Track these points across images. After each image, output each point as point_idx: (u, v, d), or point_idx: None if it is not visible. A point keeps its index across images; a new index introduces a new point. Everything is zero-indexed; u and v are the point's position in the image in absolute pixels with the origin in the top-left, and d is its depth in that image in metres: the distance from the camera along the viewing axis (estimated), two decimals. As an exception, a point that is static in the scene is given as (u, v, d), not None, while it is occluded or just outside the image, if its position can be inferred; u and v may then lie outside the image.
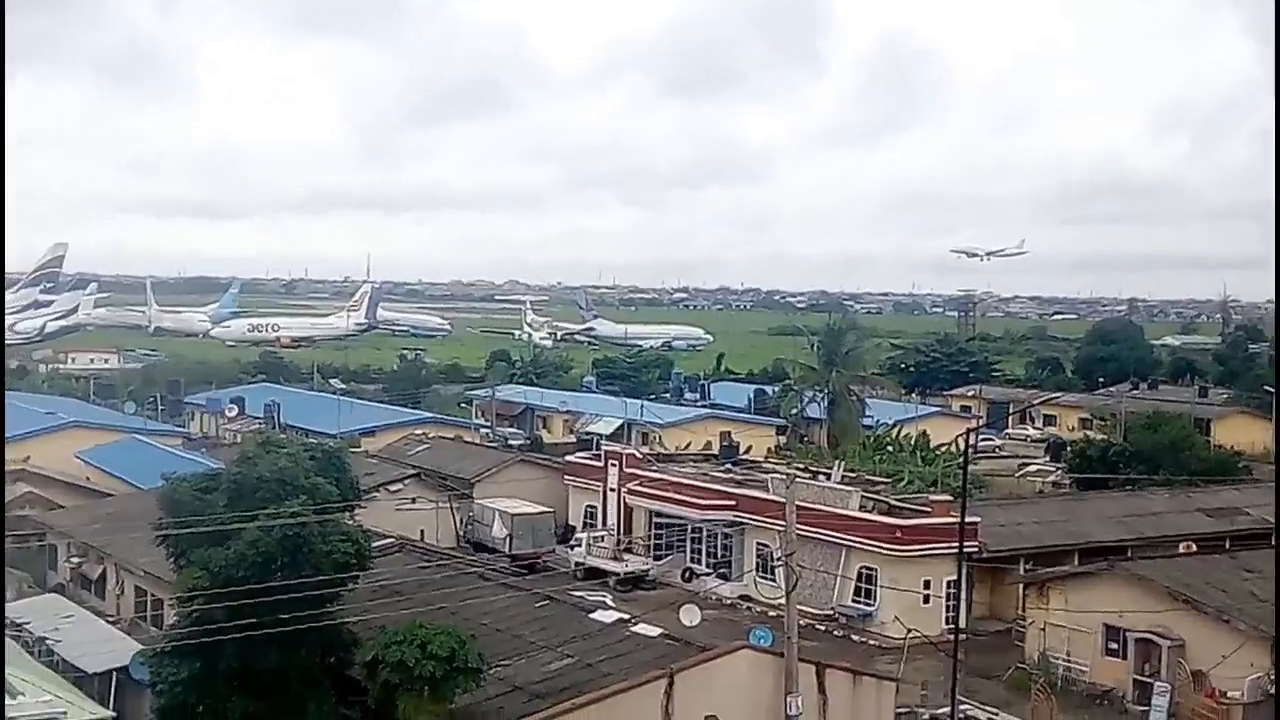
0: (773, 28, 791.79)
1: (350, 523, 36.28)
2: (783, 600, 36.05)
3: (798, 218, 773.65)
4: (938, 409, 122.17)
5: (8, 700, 18.93)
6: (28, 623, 43.04)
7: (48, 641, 41.37)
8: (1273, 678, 40.87)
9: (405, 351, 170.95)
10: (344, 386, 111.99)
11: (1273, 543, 52.47)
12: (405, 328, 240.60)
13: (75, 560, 54.93)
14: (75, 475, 72.22)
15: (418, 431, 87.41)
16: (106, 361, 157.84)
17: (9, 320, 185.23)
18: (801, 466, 65.42)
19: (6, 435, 79.76)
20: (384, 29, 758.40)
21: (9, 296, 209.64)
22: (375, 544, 38.97)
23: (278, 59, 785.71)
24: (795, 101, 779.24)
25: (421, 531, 60.21)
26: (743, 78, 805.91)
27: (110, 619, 46.99)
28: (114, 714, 34.98)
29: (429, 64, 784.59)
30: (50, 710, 19.81)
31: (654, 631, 36.77)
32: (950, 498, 55.59)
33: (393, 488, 63.51)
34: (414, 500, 63.78)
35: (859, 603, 54.40)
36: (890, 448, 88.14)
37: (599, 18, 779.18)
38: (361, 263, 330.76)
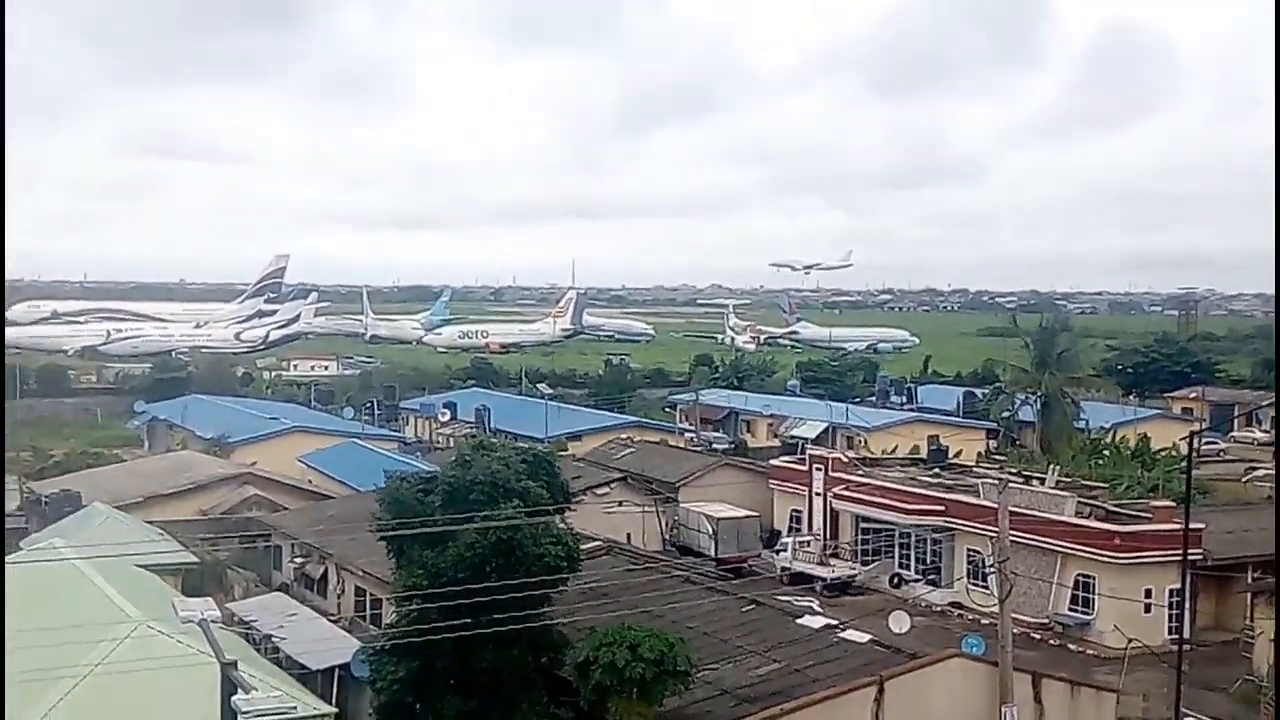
0: (985, 23, 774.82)
1: (561, 526, 36.76)
2: (995, 608, 35.23)
3: (1009, 217, 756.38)
4: (1157, 411, 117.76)
5: (240, 694, 19.63)
6: (255, 620, 44.87)
7: (273, 639, 43.05)
8: None
9: (610, 356, 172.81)
10: (551, 391, 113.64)
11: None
12: (610, 333, 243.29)
13: (298, 560, 56.88)
14: (297, 478, 75.07)
15: (623, 435, 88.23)
16: (326, 368, 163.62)
17: (236, 329, 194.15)
18: (1014, 471, 63.85)
19: (235, 439, 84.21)
20: (595, 39, 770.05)
21: (235, 307, 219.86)
22: (584, 546, 39.39)
23: (492, 71, 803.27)
24: (1008, 98, 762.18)
25: (628, 534, 60.75)
26: (954, 75, 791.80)
27: (332, 617, 48.48)
28: (336, 710, 36.14)
29: (639, 71, 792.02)
30: (280, 705, 20.49)
31: (863, 638, 36.33)
32: (1172, 503, 53.55)
33: (600, 491, 64.18)
34: (620, 503, 64.37)
35: (1076, 611, 52.77)
36: (1107, 452, 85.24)
37: (809, 18, 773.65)
38: (566, 270, 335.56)
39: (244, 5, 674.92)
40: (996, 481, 45.68)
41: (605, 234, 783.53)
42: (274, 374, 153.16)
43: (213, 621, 23.93)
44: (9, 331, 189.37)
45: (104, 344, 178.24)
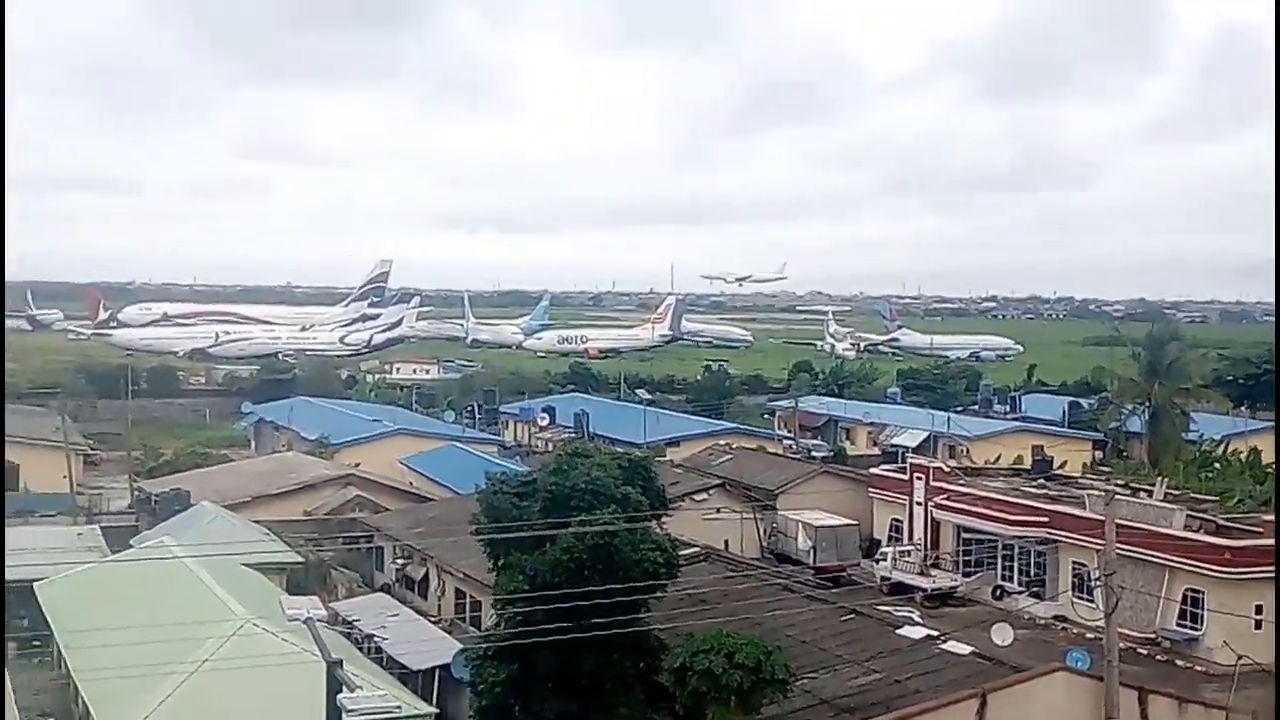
0: (1099, 24, 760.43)
1: (659, 531, 36.79)
2: (1101, 622, 34.63)
3: (1118, 222, 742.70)
4: (1270, 424, 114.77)
5: (345, 693, 19.91)
6: (357, 620, 45.57)
7: (375, 639, 43.66)
8: None
9: (708, 362, 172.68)
10: (649, 397, 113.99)
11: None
12: (708, 339, 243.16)
13: (400, 562, 57.55)
14: (399, 480, 76.04)
15: (721, 442, 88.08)
16: (427, 372, 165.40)
17: (341, 332, 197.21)
18: (1121, 483, 62.62)
19: (339, 441, 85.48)
20: (704, 40, 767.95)
21: (340, 310, 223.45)
22: (681, 553, 39.41)
23: (599, 73, 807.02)
24: (1121, 100, 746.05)
25: (726, 541, 60.58)
26: (1066, 77, 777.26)
27: (432, 619, 49.00)
28: (437, 711, 36.56)
29: (747, 73, 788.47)
30: (385, 704, 20.74)
31: (964, 649, 35.94)
32: (1285, 518, 52.07)
33: (698, 497, 64.09)
34: (718, 510, 64.21)
35: (1183, 626, 51.57)
36: (1217, 464, 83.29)
37: (923, 20, 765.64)
38: (665, 275, 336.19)
39: (360, 6, 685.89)
40: (1103, 493, 44.81)
41: (706, 238, 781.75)
42: (377, 377, 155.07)
43: (318, 620, 24.29)
44: (122, 333, 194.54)
45: (213, 346, 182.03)
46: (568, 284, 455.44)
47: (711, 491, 65.99)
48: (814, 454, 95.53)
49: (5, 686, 28.78)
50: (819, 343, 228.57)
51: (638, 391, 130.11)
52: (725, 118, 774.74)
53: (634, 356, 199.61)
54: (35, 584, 46.15)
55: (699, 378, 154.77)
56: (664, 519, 39.01)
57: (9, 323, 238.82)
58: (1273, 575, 48.79)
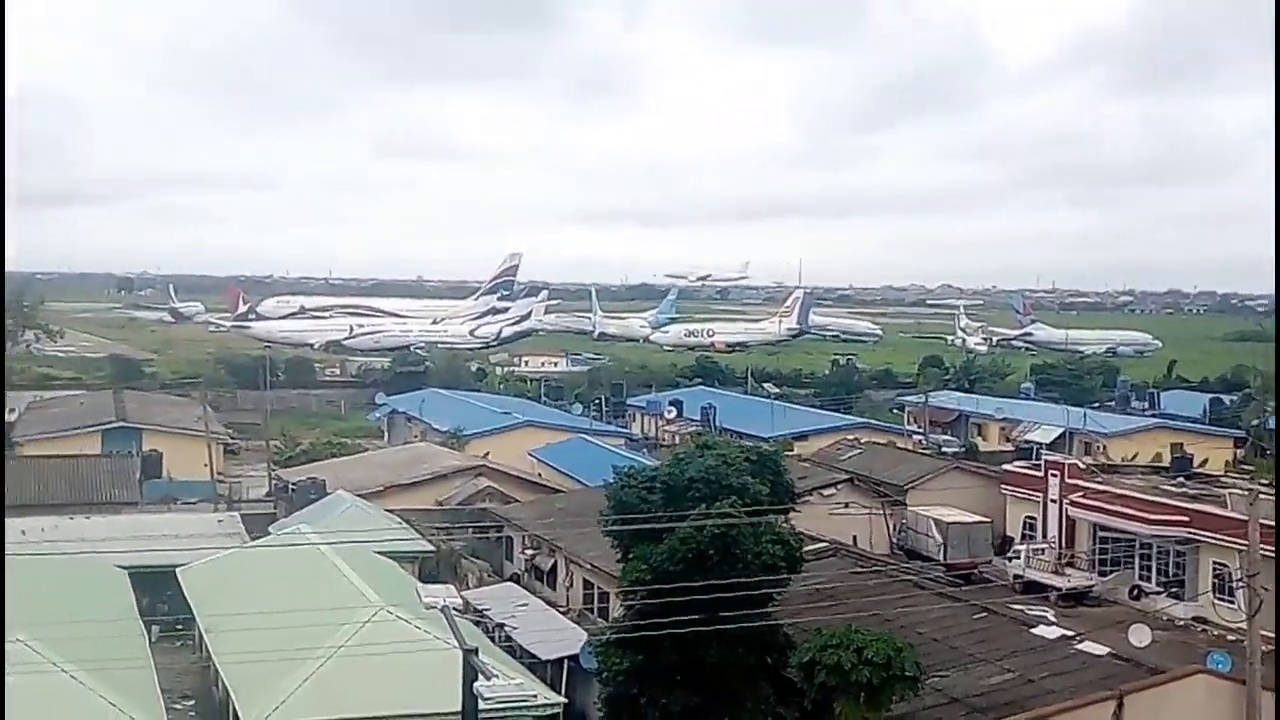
0: (1243, 13, 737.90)
1: (784, 525, 36.61)
2: (1243, 624, 33.58)
3: (1263, 216, 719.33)
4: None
5: (482, 681, 20.14)
6: (488, 609, 46.10)
7: (505, 628, 44.14)
8: None
9: (837, 356, 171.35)
10: (776, 390, 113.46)
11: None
12: (836, 333, 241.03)
13: (529, 552, 58.08)
14: (528, 471, 76.77)
15: (849, 436, 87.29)
16: (555, 365, 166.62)
17: (471, 325, 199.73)
18: (1264, 482, 60.75)
19: (470, 432, 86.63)
20: (837, 34, 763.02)
21: (470, 304, 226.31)
22: (809, 548, 39.21)
23: (732, 69, 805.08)
24: (1264, 92, 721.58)
25: (854, 537, 60.08)
26: (1208, 68, 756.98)
27: (561, 609, 49.41)
28: (566, 700, 36.85)
29: (880, 66, 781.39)
30: (521, 693, 20.97)
31: (1100, 650, 35.23)
32: None
33: (825, 492, 63.66)
34: (846, 505, 63.71)
35: (1330, 631, 49.88)
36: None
37: (1060, 10, 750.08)
38: (793, 268, 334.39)
39: (499, 6, 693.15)
40: (1246, 492, 43.50)
41: (835, 232, 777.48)
42: (506, 369, 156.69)
43: (453, 609, 24.59)
44: (260, 325, 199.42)
45: (347, 339, 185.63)
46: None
47: (839, 486, 65.54)
48: (945, 450, 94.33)
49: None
50: (950, 337, 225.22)
51: (765, 385, 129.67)
52: (857, 111, 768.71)
53: (761, 350, 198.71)
54: (177, 569, 47.49)
55: (827, 372, 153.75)
56: (791, 513, 38.79)
57: (152, 314, 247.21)
58: None
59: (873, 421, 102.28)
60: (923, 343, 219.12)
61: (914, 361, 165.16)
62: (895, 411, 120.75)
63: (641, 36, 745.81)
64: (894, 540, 65.51)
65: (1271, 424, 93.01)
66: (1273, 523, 46.14)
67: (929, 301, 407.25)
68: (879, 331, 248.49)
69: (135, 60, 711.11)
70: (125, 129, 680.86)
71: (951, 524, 63.04)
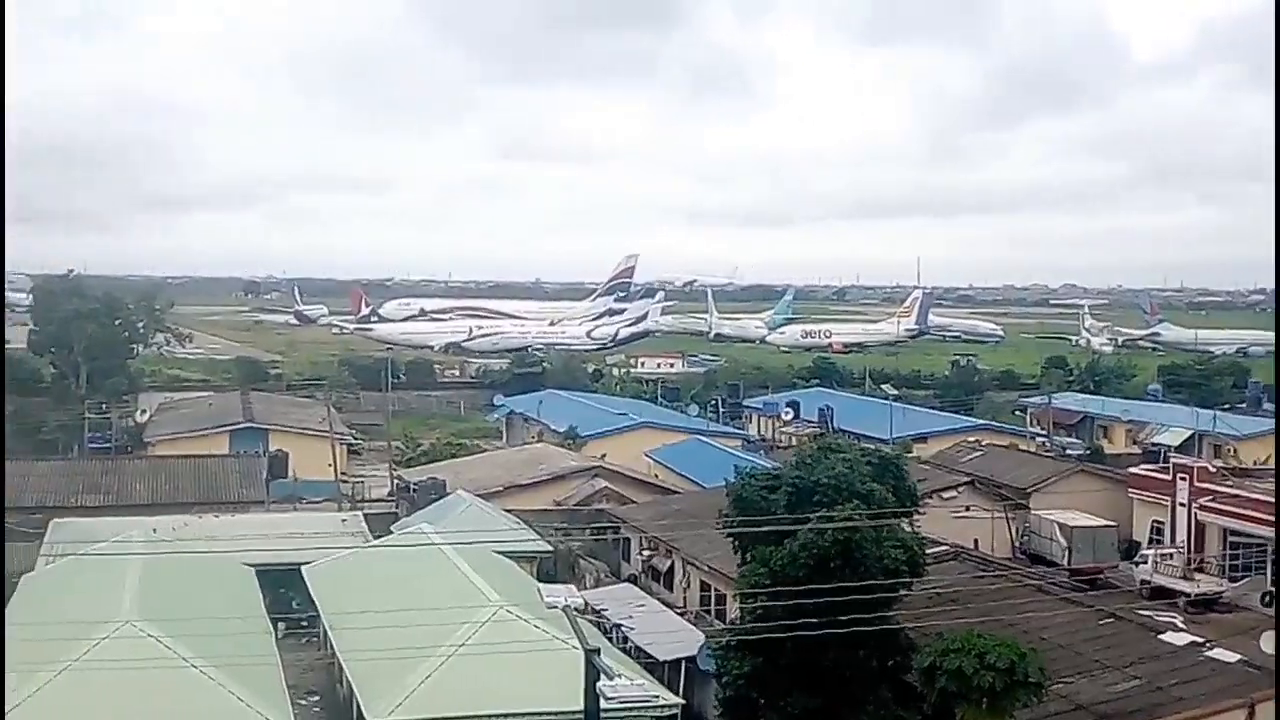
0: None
1: (907, 529, 36.23)
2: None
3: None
4: None
5: (605, 681, 20.24)
6: (605, 609, 46.26)
7: (622, 628, 44.28)
8: None
9: (957, 357, 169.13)
10: (895, 392, 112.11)
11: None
12: (957, 333, 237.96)
13: (646, 553, 58.21)
14: (644, 472, 76.95)
15: (970, 439, 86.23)
16: (672, 366, 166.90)
17: (588, 327, 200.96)
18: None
19: (587, 433, 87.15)
20: (959, 29, 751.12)
21: (587, 305, 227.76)
22: (930, 551, 38.73)
23: (851, 66, 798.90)
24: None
25: (975, 540, 59.31)
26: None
27: (678, 610, 49.40)
28: (683, 701, 36.84)
29: (1002, 63, 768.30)
30: (643, 693, 21.06)
31: (1231, 657, 34.31)
32: None
33: (946, 495, 62.97)
34: (967, 508, 62.94)
35: None
36: None
37: (1190, 3, 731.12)
38: (912, 268, 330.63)
39: (617, 5, 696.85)
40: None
41: (955, 230, 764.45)
42: (622, 371, 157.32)
43: (574, 609, 24.71)
44: (381, 328, 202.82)
45: (466, 340, 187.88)
46: (812, 278, 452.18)
47: (960, 489, 64.80)
48: (1069, 452, 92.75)
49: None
50: (1074, 337, 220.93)
51: (883, 386, 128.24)
52: (979, 108, 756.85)
53: (879, 351, 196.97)
54: (303, 567, 48.42)
55: (947, 373, 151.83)
56: (914, 517, 38.37)
57: (277, 317, 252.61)
58: None
59: (994, 424, 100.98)
60: (1046, 343, 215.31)
61: (1037, 362, 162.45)
62: (1017, 413, 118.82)
63: (760, 33, 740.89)
64: (1016, 544, 64.56)
65: None
66: None
67: (1052, 301, 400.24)
68: (1000, 332, 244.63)
69: (261, 66, 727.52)
70: (252, 134, 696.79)
71: (1076, 528, 61.95)
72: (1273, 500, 58.92)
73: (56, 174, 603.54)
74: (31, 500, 63.54)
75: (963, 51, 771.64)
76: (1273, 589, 56.83)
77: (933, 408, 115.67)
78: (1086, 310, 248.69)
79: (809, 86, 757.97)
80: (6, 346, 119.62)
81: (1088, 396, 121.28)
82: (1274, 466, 71.67)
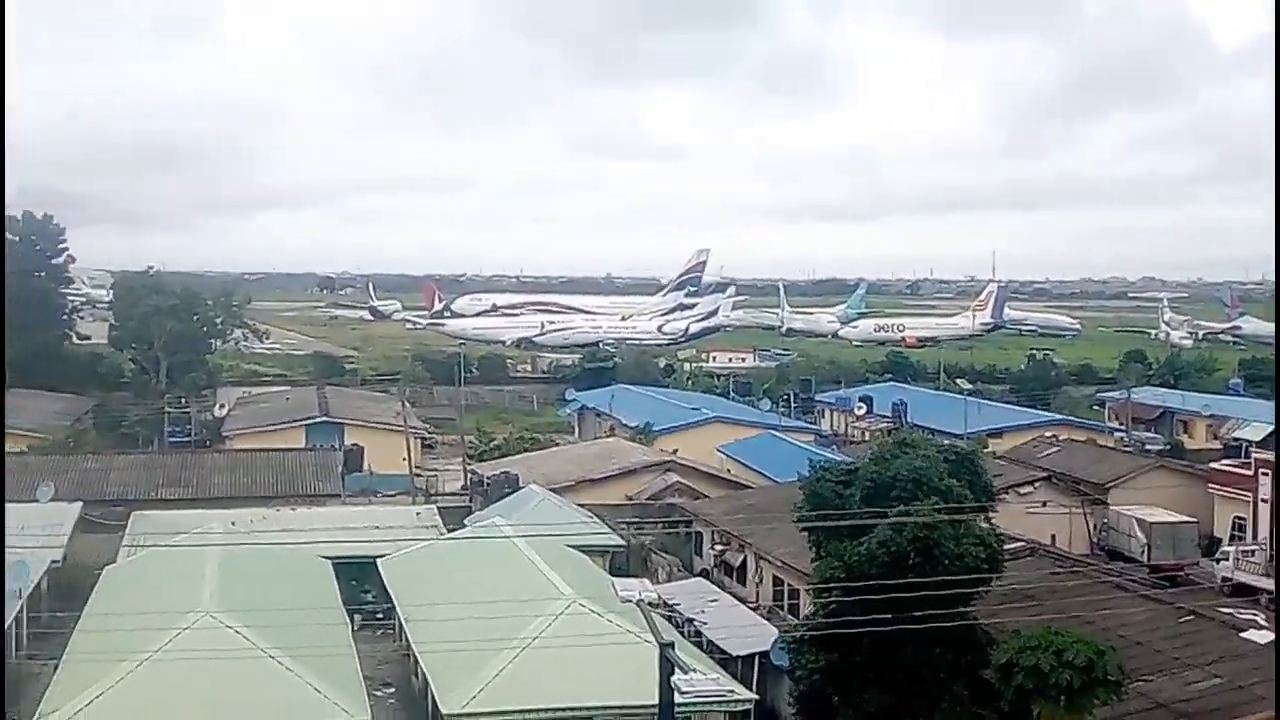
0: None
1: (984, 525, 35.87)
2: None
3: None
4: None
5: (679, 675, 20.22)
6: (677, 604, 46.24)
7: (695, 623, 44.24)
8: None
9: (1033, 351, 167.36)
10: (970, 386, 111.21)
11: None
12: (1033, 327, 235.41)
13: (719, 548, 58.10)
14: (716, 467, 76.85)
15: (1047, 434, 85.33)
16: (743, 360, 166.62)
17: (659, 322, 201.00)
18: None
19: (658, 428, 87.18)
20: (1037, 21, 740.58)
21: (658, 300, 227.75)
22: (1006, 547, 38.32)
23: (927, 59, 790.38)
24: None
25: (1052, 536, 58.67)
26: None
27: (750, 605, 49.28)
28: (756, 697, 36.74)
29: (1080, 54, 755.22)
30: (718, 688, 21.01)
31: (1316, 657, 33.48)
32: None
33: (1022, 490, 62.24)
34: (1044, 504, 62.22)
35: None
36: None
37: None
38: (987, 262, 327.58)
39: (693, 3, 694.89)
40: None
41: (1031, 224, 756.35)
42: (694, 365, 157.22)
43: (649, 603, 24.68)
44: (454, 323, 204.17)
45: (538, 335, 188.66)
46: (885, 272, 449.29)
47: (1037, 484, 64.06)
48: (1148, 447, 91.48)
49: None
50: (1153, 331, 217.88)
51: (958, 381, 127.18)
52: (1055, 100, 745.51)
53: (953, 345, 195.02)
54: (378, 559, 48.86)
55: (1023, 367, 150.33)
56: (990, 513, 37.98)
57: (352, 313, 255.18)
58: None
59: (1071, 418, 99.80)
60: (1124, 337, 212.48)
61: (1115, 356, 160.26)
62: (1095, 408, 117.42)
63: (835, 29, 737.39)
64: (1094, 540, 63.77)
65: None
66: None
67: (1130, 294, 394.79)
68: (1078, 326, 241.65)
69: (335, 65, 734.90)
70: (327, 133, 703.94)
71: (1156, 524, 61.08)
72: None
73: (138, 174, 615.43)
74: (113, 493, 64.73)
75: (1041, 43, 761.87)
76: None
77: (1008, 402, 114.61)
78: (1166, 303, 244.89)
79: (885, 80, 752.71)
80: (90, 342, 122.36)
81: (1167, 391, 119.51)
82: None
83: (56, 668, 36.26)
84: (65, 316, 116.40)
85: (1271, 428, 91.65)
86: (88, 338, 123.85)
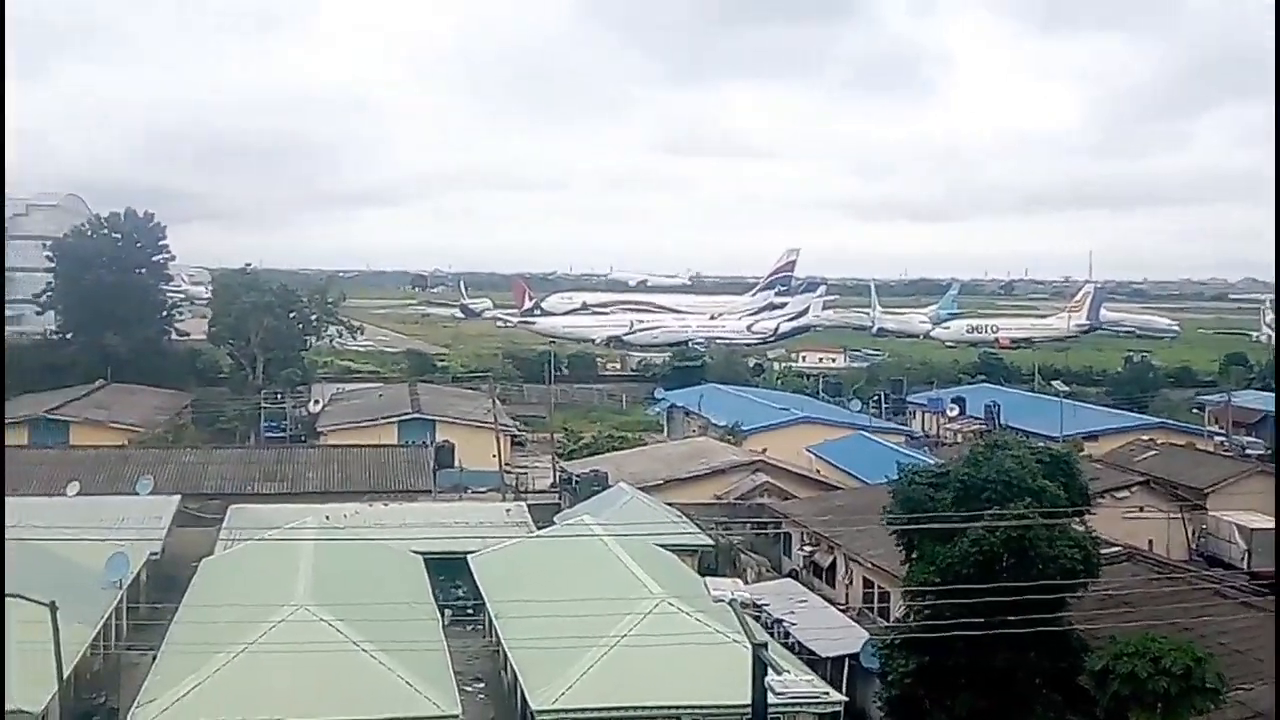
0: None
1: (1079, 529, 35.34)
2: None
3: None
4: None
5: (772, 675, 20.15)
6: (766, 605, 46.06)
7: (784, 624, 44.04)
8: None
9: (1130, 353, 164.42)
10: (1065, 388, 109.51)
11: None
12: (1130, 329, 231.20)
13: (807, 549, 57.77)
14: (805, 467, 76.44)
15: (1144, 437, 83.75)
16: (833, 361, 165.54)
17: (748, 321, 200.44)
18: None
19: (747, 428, 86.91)
20: (1137, 17, 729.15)
21: (747, 299, 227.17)
22: (1102, 552, 37.71)
23: (1024, 56, 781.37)
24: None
25: (1150, 542, 57.62)
26: None
27: (840, 607, 48.96)
28: (846, 699, 36.51)
29: (1181, 50, 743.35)
30: (811, 689, 20.91)
31: None
32: None
33: (1118, 494, 61.26)
34: (1141, 509, 61.17)
35: None
36: None
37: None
38: (1082, 262, 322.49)
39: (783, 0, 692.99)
40: None
41: (1129, 223, 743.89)
42: (783, 365, 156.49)
43: (740, 604, 24.59)
44: (544, 321, 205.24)
45: (627, 334, 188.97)
46: (978, 272, 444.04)
47: (1134, 489, 63.01)
48: (1248, 452, 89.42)
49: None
50: (1254, 333, 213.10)
51: (1052, 383, 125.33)
52: (1159, 97, 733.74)
53: (1048, 347, 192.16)
54: (469, 555, 49.26)
55: (1119, 369, 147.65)
56: (1085, 516, 37.40)
57: (444, 310, 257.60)
58: None
59: (1169, 422, 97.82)
60: (1224, 339, 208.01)
61: (1215, 359, 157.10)
62: (1194, 412, 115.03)
63: (931, 24, 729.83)
64: (1193, 546, 62.57)
65: None
66: None
67: (1231, 296, 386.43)
68: (1177, 327, 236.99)
69: (429, 64, 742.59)
70: (420, 131, 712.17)
71: (1256, 530, 59.75)
72: None
73: (236, 172, 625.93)
74: (211, 487, 65.98)
75: (1141, 38, 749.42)
76: None
77: (1104, 405, 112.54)
78: (1267, 305, 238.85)
79: (979, 77, 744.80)
80: (188, 338, 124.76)
81: (1268, 394, 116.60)
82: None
83: (155, 658, 37.02)
84: (165, 313, 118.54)
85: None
86: (187, 334, 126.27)
